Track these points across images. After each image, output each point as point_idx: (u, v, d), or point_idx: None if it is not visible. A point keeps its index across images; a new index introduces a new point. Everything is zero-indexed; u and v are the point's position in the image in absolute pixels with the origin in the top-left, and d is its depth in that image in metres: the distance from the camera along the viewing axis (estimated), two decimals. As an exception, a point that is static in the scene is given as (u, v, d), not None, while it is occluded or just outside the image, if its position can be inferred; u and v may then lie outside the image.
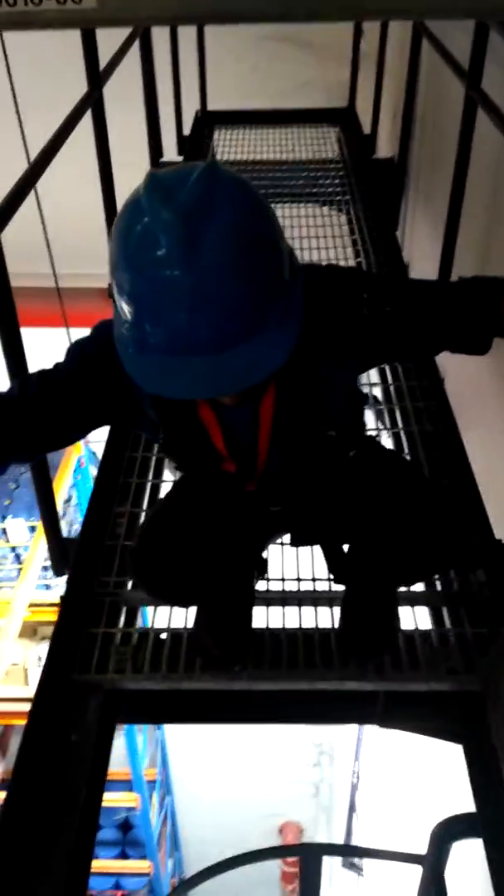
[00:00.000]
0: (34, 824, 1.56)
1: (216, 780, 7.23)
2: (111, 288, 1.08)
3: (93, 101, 2.55)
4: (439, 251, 2.69)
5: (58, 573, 2.24)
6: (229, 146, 4.55)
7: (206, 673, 1.81)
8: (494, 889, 1.55)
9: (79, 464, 5.44)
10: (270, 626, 1.91)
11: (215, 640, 1.77)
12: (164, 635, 1.89)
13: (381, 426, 2.54)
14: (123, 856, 6.46)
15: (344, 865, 5.30)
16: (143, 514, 2.19)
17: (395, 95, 4.14)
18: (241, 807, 7.13)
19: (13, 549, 5.58)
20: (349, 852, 2.63)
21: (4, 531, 5.55)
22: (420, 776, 3.46)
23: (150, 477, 2.33)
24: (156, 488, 2.31)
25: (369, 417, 2.57)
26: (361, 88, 4.67)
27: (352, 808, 5.12)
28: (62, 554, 2.21)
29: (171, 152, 4.26)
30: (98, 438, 2.17)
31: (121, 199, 2.79)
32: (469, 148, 2.49)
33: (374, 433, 2.50)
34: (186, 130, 4.51)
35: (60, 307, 3.29)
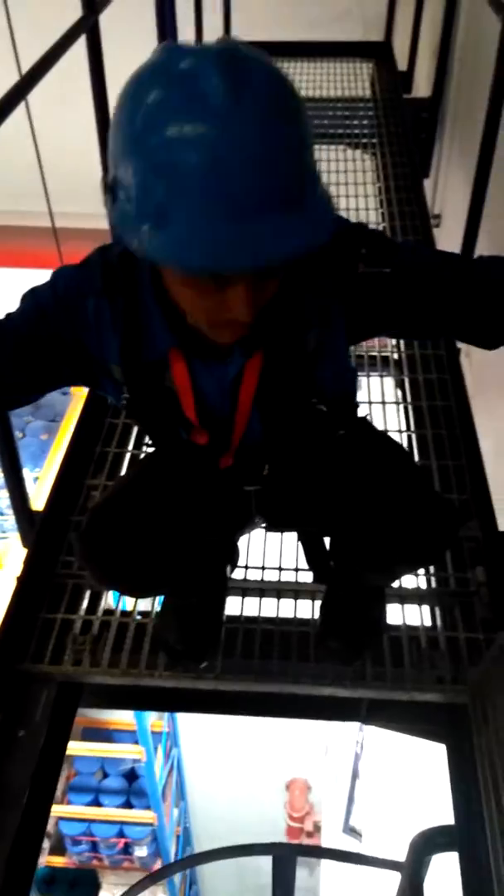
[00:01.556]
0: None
1: (224, 734, 7.22)
2: (109, 178, 0.91)
3: (87, 28, 2.31)
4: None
5: (26, 544, 2.09)
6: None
7: (170, 671, 1.66)
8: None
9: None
10: (245, 619, 1.75)
11: (181, 634, 1.61)
12: (130, 624, 1.74)
13: (386, 398, 2.32)
14: (128, 805, 6.48)
15: (344, 831, 5.26)
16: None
17: (435, 30, 3.81)
18: (248, 761, 7.12)
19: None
20: (326, 855, 2.51)
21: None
22: (422, 750, 3.34)
23: (131, 447, 2.14)
24: (136, 460, 2.13)
25: (375, 389, 2.36)
26: (399, 22, 4.32)
27: (354, 776, 5.05)
28: (31, 524, 2.06)
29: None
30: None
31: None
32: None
33: (377, 406, 2.29)
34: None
35: (56, 247, 3.12)
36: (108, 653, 1.70)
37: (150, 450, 1.53)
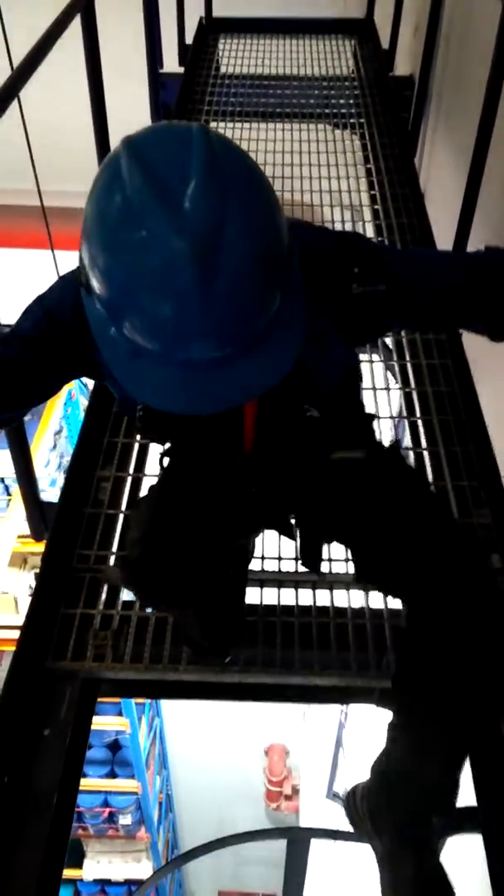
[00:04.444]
0: None
1: (205, 703, 7.32)
2: (84, 276, 0.93)
3: (83, 4, 2.26)
4: (458, 181, 2.43)
5: (37, 538, 2.09)
6: (235, 58, 4.15)
7: (194, 664, 1.68)
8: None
9: (69, 395, 5.24)
10: (265, 610, 1.77)
11: (203, 630, 1.62)
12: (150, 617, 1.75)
13: (389, 385, 2.34)
14: (112, 775, 6.54)
15: (328, 796, 5.38)
16: (126, 505, 2.00)
17: (417, 7, 3.78)
18: (228, 727, 7.22)
19: (2, 480, 5.41)
20: (341, 837, 2.58)
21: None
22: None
23: (139, 437, 2.14)
24: (143, 450, 2.12)
25: (378, 375, 2.37)
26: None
27: (338, 744, 5.15)
28: (41, 517, 2.06)
29: (170, 63, 3.90)
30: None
31: (113, 113, 2.53)
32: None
33: (382, 392, 2.30)
34: (189, 39, 4.10)
35: (46, 227, 3.05)
36: (130, 647, 1.71)
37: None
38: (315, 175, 3.18)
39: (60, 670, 1.67)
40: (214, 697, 1.79)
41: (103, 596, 1.80)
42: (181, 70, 3.89)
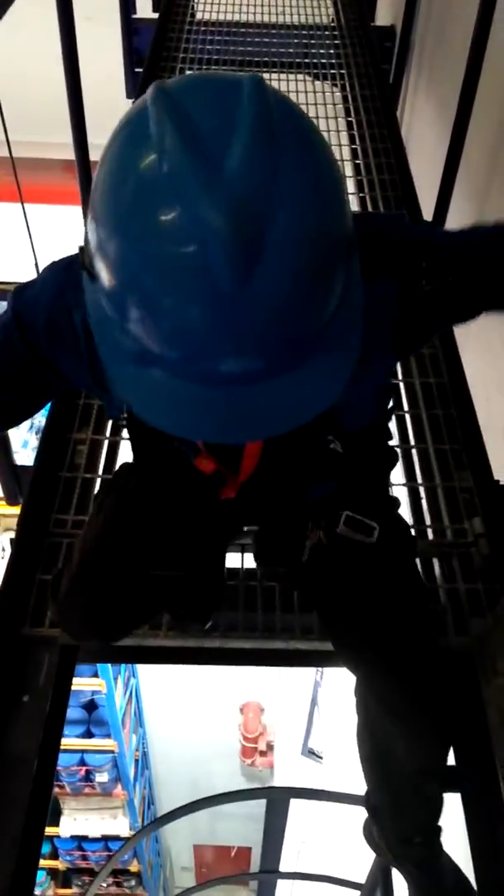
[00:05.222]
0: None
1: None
2: (88, 255, 0.76)
3: None
4: (442, 134, 2.38)
5: (10, 501, 2.04)
6: (211, 3, 4.01)
7: (174, 630, 1.65)
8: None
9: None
10: (246, 574, 1.75)
11: (183, 603, 1.59)
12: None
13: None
14: (88, 734, 6.59)
15: (303, 753, 5.45)
16: (102, 469, 1.93)
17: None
18: (204, 685, 7.28)
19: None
20: (322, 797, 2.61)
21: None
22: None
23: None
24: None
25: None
26: None
27: (313, 703, 5.20)
28: (15, 480, 2.01)
29: (144, 9, 3.76)
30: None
31: (84, 58, 2.42)
32: (490, 21, 2.14)
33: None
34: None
35: (15, 179, 2.95)
36: (109, 613, 1.68)
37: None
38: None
39: (38, 637, 1.64)
40: (195, 662, 1.77)
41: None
42: (156, 16, 3.76)
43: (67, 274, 0.98)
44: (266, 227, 0.67)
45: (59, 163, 2.46)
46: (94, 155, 2.45)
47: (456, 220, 2.40)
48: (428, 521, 1.83)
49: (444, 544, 1.78)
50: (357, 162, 2.91)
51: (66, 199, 3.36)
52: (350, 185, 2.89)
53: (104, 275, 0.73)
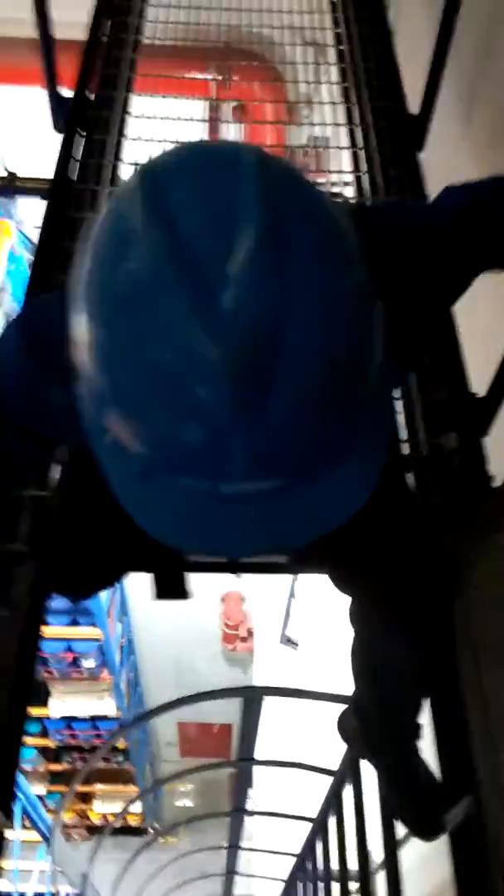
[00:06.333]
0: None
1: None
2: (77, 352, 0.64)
3: None
4: (432, 16, 2.23)
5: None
6: None
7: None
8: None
9: (12, 252, 4.95)
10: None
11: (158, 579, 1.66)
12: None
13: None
14: (74, 623, 6.78)
15: (281, 642, 5.64)
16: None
17: None
18: (187, 576, 7.49)
19: None
20: (296, 695, 2.70)
21: None
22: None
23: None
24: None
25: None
26: None
27: (291, 594, 5.34)
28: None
29: None
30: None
31: None
32: None
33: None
34: None
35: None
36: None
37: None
38: (275, 7, 2.88)
39: (14, 552, 1.64)
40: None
41: (56, 476, 1.75)
42: None
43: (30, 341, 0.87)
44: (271, 359, 0.57)
45: (26, 41, 2.26)
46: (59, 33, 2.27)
47: (441, 115, 2.29)
48: (404, 434, 1.82)
49: (419, 458, 1.77)
50: (341, 48, 2.73)
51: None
52: (333, 73, 2.73)
53: (88, 364, 0.62)
